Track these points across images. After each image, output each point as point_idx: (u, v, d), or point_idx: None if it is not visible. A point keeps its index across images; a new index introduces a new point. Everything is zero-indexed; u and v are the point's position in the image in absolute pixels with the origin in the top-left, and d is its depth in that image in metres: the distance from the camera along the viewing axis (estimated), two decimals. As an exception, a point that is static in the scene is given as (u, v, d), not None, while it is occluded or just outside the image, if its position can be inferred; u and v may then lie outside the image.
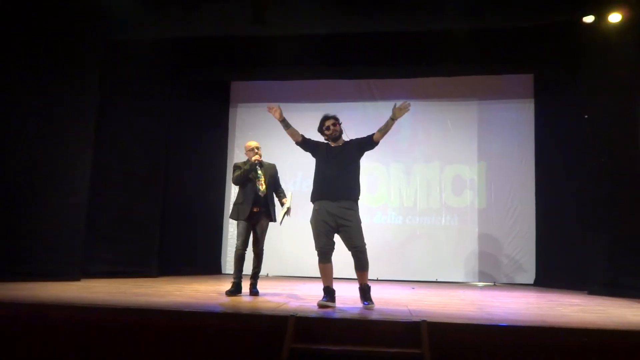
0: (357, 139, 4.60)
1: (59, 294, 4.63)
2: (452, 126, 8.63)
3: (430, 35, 7.45)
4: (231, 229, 8.91)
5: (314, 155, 4.64)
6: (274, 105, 4.58)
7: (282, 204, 5.29)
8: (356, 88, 8.87)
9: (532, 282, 7.95)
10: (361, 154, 4.57)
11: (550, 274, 7.64)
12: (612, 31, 6.27)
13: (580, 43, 6.81)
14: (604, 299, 5.73)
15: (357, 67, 8.18)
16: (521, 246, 8.16)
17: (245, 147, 5.48)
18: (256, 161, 5.25)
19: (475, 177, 8.48)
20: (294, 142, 4.68)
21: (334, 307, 4.25)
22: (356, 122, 8.44)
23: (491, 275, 8.16)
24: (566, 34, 7.07)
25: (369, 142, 4.54)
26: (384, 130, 4.44)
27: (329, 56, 7.98)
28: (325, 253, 4.39)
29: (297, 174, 8.72)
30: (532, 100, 8.40)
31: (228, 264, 8.78)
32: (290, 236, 8.59)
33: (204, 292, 5.38)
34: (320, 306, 4.21)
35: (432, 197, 8.55)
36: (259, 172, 5.24)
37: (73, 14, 6.32)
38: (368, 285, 4.43)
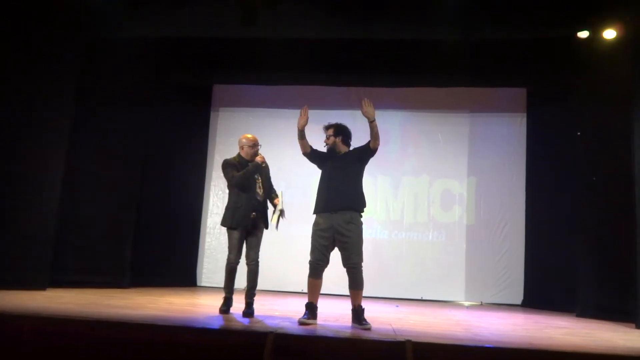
0: (358, 148, 4.63)
1: (24, 304, 4.58)
2: (442, 139, 8.76)
3: (422, 44, 7.59)
4: (208, 239, 8.89)
5: (320, 167, 4.67)
6: (306, 115, 4.57)
7: (274, 206, 4.96)
8: (345, 96, 8.95)
9: (519, 302, 8.07)
10: (363, 163, 4.60)
11: (539, 295, 7.78)
12: (606, 47, 6.44)
13: (575, 58, 7.00)
14: (593, 322, 5.86)
15: (346, 74, 8.28)
16: (510, 265, 8.29)
17: (242, 142, 5.02)
18: (262, 163, 4.88)
19: (464, 192, 8.61)
20: (302, 152, 4.68)
21: (315, 324, 4.28)
22: (344, 131, 8.63)
23: (478, 294, 8.27)
24: (560, 48, 7.25)
25: (366, 150, 4.56)
26: (372, 135, 4.46)
27: (317, 62, 8.07)
28: (316, 268, 4.41)
29: (281, 184, 8.69)
30: (525, 114, 8.59)
31: (204, 276, 8.76)
32: (272, 248, 8.59)
33: (179, 305, 5.36)
34: (301, 323, 4.23)
35: (419, 212, 8.65)
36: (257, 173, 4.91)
37: (51, 10, 6.29)
38: (362, 307, 4.37)
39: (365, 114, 4.42)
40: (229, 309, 4.86)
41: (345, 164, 4.54)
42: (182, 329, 3.75)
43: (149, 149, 7.91)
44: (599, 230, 6.41)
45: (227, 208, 4.92)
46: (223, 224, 4.91)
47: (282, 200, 4.95)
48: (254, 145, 4.99)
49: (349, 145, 4.68)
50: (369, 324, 4.22)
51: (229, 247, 4.83)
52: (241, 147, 5.05)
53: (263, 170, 4.98)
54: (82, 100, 6.70)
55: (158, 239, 8.09)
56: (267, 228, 4.98)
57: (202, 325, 3.94)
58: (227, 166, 4.93)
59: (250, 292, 4.81)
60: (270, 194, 5.08)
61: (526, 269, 8.17)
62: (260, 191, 4.91)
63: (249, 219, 4.79)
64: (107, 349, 3.61)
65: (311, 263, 4.44)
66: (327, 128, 4.71)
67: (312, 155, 4.71)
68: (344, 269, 4.43)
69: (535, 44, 7.37)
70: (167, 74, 8.27)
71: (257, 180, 4.92)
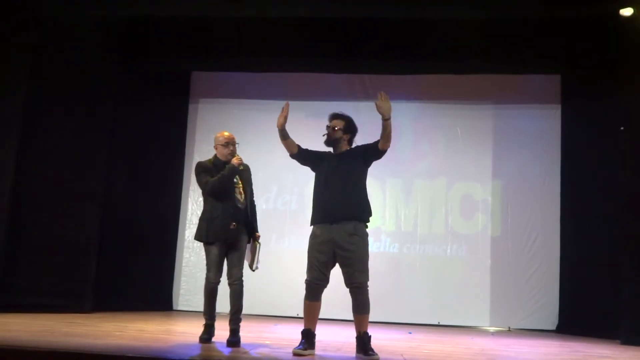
0: (362, 146, 4.59)
1: (-33, 332, 4.59)
2: (462, 135, 8.79)
3: (438, 24, 7.62)
4: (186, 254, 8.91)
5: (314, 169, 4.65)
6: (287, 111, 4.61)
7: (255, 239, 4.99)
8: (347, 84, 8.99)
9: (554, 327, 8.09)
10: (367, 165, 4.56)
11: (577, 319, 7.78)
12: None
13: (617, 40, 7.02)
14: (640, 351, 5.86)
15: (348, 60, 8.29)
16: (542, 284, 8.31)
17: (216, 140, 5.04)
18: (239, 165, 4.85)
19: (488, 197, 8.63)
20: (289, 155, 4.67)
21: (312, 354, 4.28)
22: (346, 126, 8.66)
23: (505, 318, 8.29)
24: (600, 28, 7.29)
25: (374, 150, 4.50)
26: (383, 135, 4.42)
27: (314, 45, 8.09)
28: (313, 289, 4.41)
29: (272, 189, 8.78)
30: (559, 106, 8.61)
31: (182, 298, 8.76)
32: (262, 266, 8.57)
33: (151, 333, 5.36)
34: (295, 354, 4.23)
35: (436, 221, 8.66)
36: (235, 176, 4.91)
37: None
38: (369, 334, 4.34)
39: (379, 110, 4.36)
40: (210, 338, 4.85)
41: (345, 164, 4.50)
42: (155, 362, 3.76)
43: (115, 150, 7.92)
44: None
45: (201, 219, 4.91)
46: (197, 238, 4.90)
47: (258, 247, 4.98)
48: (228, 144, 4.97)
49: (351, 145, 4.66)
50: (377, 355, 4.21)
51: (207, 265, 4.81)
52: (215, 147, 5.05)
53: (243, 173, 4.98)
54: (35, 93, 6.69)
55: (126, 256, 8.09)
56: (248, 242, 4.97)
57: (179, 357, 3.94)
58: (200, 171, 4.93)
59: (235, 316, 4.79)
60: (252, 205, 5.07)
61: (562, 288, 8.17)
62: (241, 197, 4.89)
63: (227, 231, 4.76)
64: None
65: (308, 283, 4.44)
66: (334, 117, 4.61)
67: (301, 156, 4.68)
68: (347, 290, 4.41)
69: (570, 24, 7.40)
70: (135, 60, 8.28)
71: (236, 185, 4.90)
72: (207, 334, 4.84)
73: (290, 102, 9.23)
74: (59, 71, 7.14)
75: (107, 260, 7.73)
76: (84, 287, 7.32)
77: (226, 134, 5.06)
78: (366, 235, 4.44)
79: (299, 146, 4.68)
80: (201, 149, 8.90)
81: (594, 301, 7.52)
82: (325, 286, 4.45)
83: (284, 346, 4.80)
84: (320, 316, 7.66)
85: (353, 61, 8.32)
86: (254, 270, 5.03)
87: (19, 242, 6.74)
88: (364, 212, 4.47)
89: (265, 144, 8.90)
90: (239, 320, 4.81)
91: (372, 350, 4.25)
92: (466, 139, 8.78)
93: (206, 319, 4.89)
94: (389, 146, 4.47)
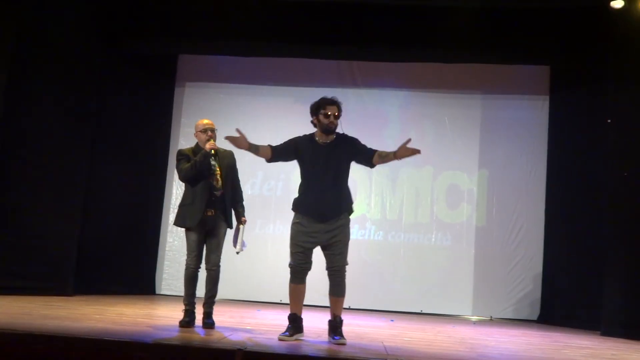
0: (353, 142, 4.54)
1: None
2: (449, 124, 8.79)
3: (428, 12, 7.58)
4: (170, 239, 8.87)
5: (296, 159, 4.57)
6: (237, 138, 4.43)
7: (241, 223, 5.07)
8: (335, 71, 8.94)
9: (535, 318, 8.16)
10: (351, 161, 4.54)
11: (558, 310, 7.86)
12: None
13: (607, 32, 7.02)
14: (619, 342, 5.93)
15: (337, 46, 8.23)
16: (525, 274, 8.37)
17: (196, 127, 5.11)
18: (211, 150, 4.89)
19: (474, 187, 8.66)
20: (266, 161, 4.59)
21: (300, 340, 4.31)
22: (333, 112, 8.63)
23: (488, 308, 8.34)
24: (591, 20, 7.28)
25: (366, 161, 4.50)
26: (383, 160, 4.46)
27: (302, 30, 8.02)
28: (299, 272, 4.45)
29: (257, 174, 8.73)
30: (547, 97, 8.63)
31: (164, 283, 8.73)
32: (244, 252, 8.57)
33: (131, 317, 5.36)
34: (281, 340, 4.25)
35: (421, 210, 8.68)
36: (213, 162, 4.96)
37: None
38: (341, 318, 4.44)
39: (402, 152, 4.38)
40: (191, 322, 4.88)
41: (335, 156, 4.44)
42: (133, 345, 3.74)
43: (98, 133, 7.83)
44: (631, 235, 6.47)
45: (180, 205, 5.05)
46: (176, 223, 5.06)
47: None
48: (206, 130, 5.00)
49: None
50: (345, 340, 4.30)
51: (187, 250, 4.94)
52: (195, 134, 5.13)
53: (223, 160, 5.02)
54: (18, 76, 6.63)
55: (110, 239, 8.04)
56: (230, 227, 5.04)
57: (158, 341, 3.93)
58: (179, 158, 5.02)
59: (210, 300, 4.94)
60: (236, 197, 5.13)
61: (544, 279, 8.23)
62: (218, 184, 4.95)
63: (204, 218, 4.86)
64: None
65: (292, 267, 4.47)
66: (334, 103, 4.47)
67: (278, 155, 4.56)
68: (325, 274, 4.47)
69: (561, 15, 7.38)
70: (120, 42, 8.17)
71: (214, 172, 4.95)
72: (188, 317, 4.89)
73: (278, 87, 9.34)
74: (41, 53, 7.03)
75: (88, 244, 7.66)
76: (65, 270, 7.26)
77: (205, 121, 5.11)
78: (349, 222, 4.50)
79: (270, 148, 4.56)
80: (187, 133, 8.82)
81: (575, 293, 7.61)
82: (309, 269, 4.48)
83: (265, 331, 4.80)
84: (312, 303, 7.71)
85: (342, 48, 8.25)
86: (237, 253, 5.09)
87: (1, 225, 6.68)
88: (349, 205, 4.53)
89: (251, 129, 8.73)
90: (213, 303, 4.95)
91: (341, 334, 4.33)
92: (454, 128, 8.78)
93: (185, 304, 4.95)
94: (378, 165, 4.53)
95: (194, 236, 4.89)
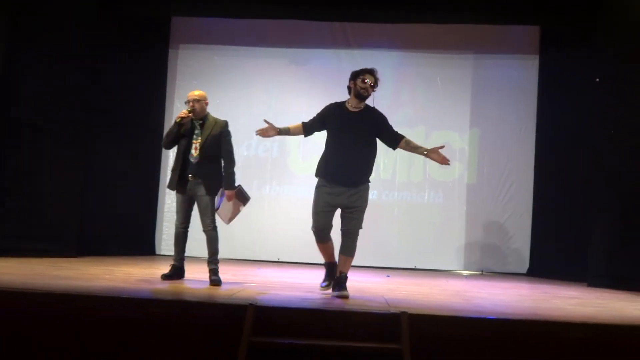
0: (382, 118, 4.79)
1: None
2: (441, 84, 8.88)
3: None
4: (168, 200, 8.99)
5: (326, 128, 4.79)
6: (265, 128, 4.79)
7: (228, 196, 5.32)
8: (328, 32, 8.96)
9: (525, 271, 8.44)
10: (376, 136, 4.79)
11: (547, 263, 8.14)
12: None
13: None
14: (605, 292, 6.22)
15: (330, 7, 8.22)
16: (515, 229, 8.61)
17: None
18: (178, 119, 5.18)
19: (466, 146, 8.81)
20: (304, 137, 4.94)
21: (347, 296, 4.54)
22: (328, 72, 8.69)
23: (479, 262, 8.62)
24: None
25: (389, 141, 4.82)
26: (412, 150, 4.84)
27: (296, -9, 8.04)
28: (322, 233, 4.72)
29: (253, 136, 8.71)
30: (537, 57, 8.72)
31: (164, 243, 8.89)
32: (241, 214, 8.74)
33: (138, 276, 5.55)
34: (322, 290, 4.73)
35: (414, 169, 8.82)
36: (197, 130, 5.20)
37: None
38: (346, 275, 4.68)
39: (432, 155, 4.72)
40: (173, 277, 5.26)
41: (365, 125, 4.68)
42: (149, 302, 3.93)
43: (95, 96, 7.86)
44: (616, 192, 6.71)
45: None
46: (167, 185, 5.50)
47: (237, 194, 5.33)
48: (188, 101, 5.25)
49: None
50: (348, 292, 4.55)
51: (175, 211, 5.38)
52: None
53: (208, 129, 5.20)
54: (14, 40, 6.68)
55: (109, 201, 8.16)
56: (210, 195, 5.21)
57: (171, 297, 4.12)
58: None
59: (212, 258, 5.24)
60: (226, 161, 5.30)
61: (533, 234, 8.49)
62: (195, 152, 5.19)
63: (185, 181, 5.20)
64: (59, 326, 3.75)
65: (316, 230, 4.72)
66: (371, 73, 4.73)
67: (310, 129, 4.85)
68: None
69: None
70: (112, 5, 8.12)
71: (194, 140, 5.20)
72: (170, 271, 5.28)
73: (272, 49, 9.36)
74: (36, 18, 7.05)
75: (90, 207, 7.79)
76: (67, 232, 7.40)
77: (192, 92, 5.31)
78: (368, 189, 4.76)
79: (302, 125, 4.85)
80: (181, 95, 8.82)
81: (563, 246, 7.86)
82: (331, 228, 4.74)
83: (270, 288, 5.02)
84: (304, 260, 7.94)
85: (335, 9, 8.25)
86: (227, 224, 5.48)
87: (2, 187, 6.78)
88: (369, 176, 4.78)
89: (246, 91, 8.94)
90: (217, 261, 5.24)
91: (345, 288, 4.59)
92: (445, 88, 8.86)
93: (173, 260, 5.35)
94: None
95: (179, 198, 5.30)
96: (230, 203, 5.32)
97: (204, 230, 5.24)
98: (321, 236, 4.71)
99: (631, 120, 6.63)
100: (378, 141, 4.81)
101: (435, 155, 4.71)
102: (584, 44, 7.65)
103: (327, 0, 8.11)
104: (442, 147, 4.73)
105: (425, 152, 4.73)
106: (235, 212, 5.44)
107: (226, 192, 5.28)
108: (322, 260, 4.93)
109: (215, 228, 5.23)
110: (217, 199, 5.29)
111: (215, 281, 5.10)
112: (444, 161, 4.70)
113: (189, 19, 9.15)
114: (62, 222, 7.36)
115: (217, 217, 5.32)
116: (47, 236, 7.19)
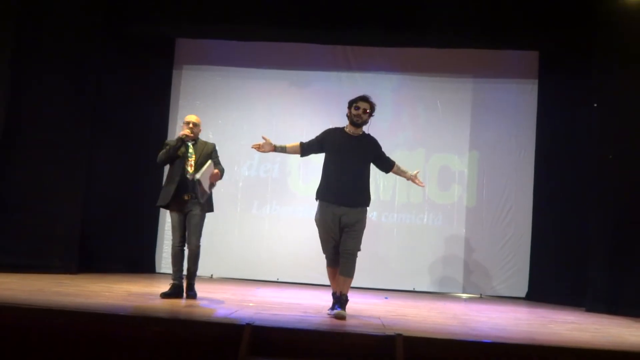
0: (377, 145, 5.11)
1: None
2: (441, 108, 8.96)
3: (422, -3, 7.74)
4: (168, 219, 8.97)
5: (325, 150, 4.98)
6: (261, 143, 4.94)
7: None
8: (329, 55, 9.07)
9: (523, 295, 8.44)
10: (372, 161, 5.05)
11: (545, 287, 8.13)
12: (632, 4, 6.70)
13: (595, 18, 7.22)
14: (603, 317, 6.24)
15: (331, 30, 8.33)
16: (514, 253, 8.62)
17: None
18: (183, 136, 5.40)
19: (465, 169, 8.86)
20: (300, 157, 5.15)
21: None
22: (329, 95, 8.78)
23: (477, 285, 8.61)
24: (579, 5, 7.48)
25: (382, 166, 5.16)
26: (400, 174, 5.28)
27: (298, 15, 8.11)
28: (333, 258, 4.88)
29: (254, 156, 8.85)
30: (536, 81, 8.79)
31: (164, 262, 8.92)
32: (241, 231, 8.80)
33: (138, 294, 5.59)
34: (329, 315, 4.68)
35: (413, 191, 8.84)
36: (190, 150, 5.42)
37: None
38: (347, 296, 4.78)
39: (412, 178, 5.22)
40: (172, 295, 5.33)
41: (362, 149, 4.92)
42: (147, 320, 3.96)
43: (98, 114, 7.96)
44: (615, 216, 6.75)
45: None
46: (157, 203, 5.55)
47: (207, 168, 5.34)
48: (187, 122, 5.53)
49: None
50: (345, 313, 4.62)
51: (171, 230, 5.50)
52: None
53: (200, 148, 5.47)
54: (20, 57, 6.77)
55: (110, 219, 8.22)
56: (211, 211, 5.50)
57: (170, 316, 4.15)
58: (163, 146, 5.61)
59: (191, 274, 5.45)
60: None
61: (532, 258, 8.49)
62: (190, 169, 5.37)
63: (182, 200, 5.34)
64: (60, 342, 3.80)
65: (327, 255, 4.91)
66: (365, 100, 4.97)
67: (308, 149, 5.03)
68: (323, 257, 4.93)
69: (550, 1, 7.58)
70: (119, 25, 8.25)
71: (189, 158, 5.39)
72: (170, 290, 5.37)
73: (274, 71, 9.48)
74: (42, 35, 7.20)
75: (91, 224, 7.86)
76: (68, 248, 7.45)
77: (189, 116, 5.63)
78: (366, 212, 4.91)
79: (300, 144, 5.01)
80: (184, 115, 8.80)
81: (562, 271, 7.86)
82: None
83: (268, 308, 5.05)
84: (302, 281, 7.98)
85: (336, 32, 8.36)
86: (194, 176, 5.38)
87: (4, 203, 6.84)
88: (369, 199, 4.97)
89: (247, 112, 9.03)
90: (194, 277, 5.48)
91: (344, 308, 4.67)
92: (445, 111, 8.94)
93: (173, 279, 5.45)
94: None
95: (174, 216, 5.42)
96: (207, 177, 5.35)
97: (190, 248, 5.40)
98: (333, 260, 4.87)
99: (630, 145, 6.69)
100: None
101: (414, 179, 5.19)
102: (582, 69, 7.72)
103: (329, 24, 8.21)
104: (417, 173, 5.25)
105: (409, 177, 5.12)
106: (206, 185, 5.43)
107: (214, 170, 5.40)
108: (320, 281, 5.01)
109: (199, 247, 5.42)
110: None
111: (191, 296, 5.39)
112: (420, 184, 5.25)
113: (193, 41, 9.27)
114: (63, 238, 7.42)
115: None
116: (49, 252, 7.26)
